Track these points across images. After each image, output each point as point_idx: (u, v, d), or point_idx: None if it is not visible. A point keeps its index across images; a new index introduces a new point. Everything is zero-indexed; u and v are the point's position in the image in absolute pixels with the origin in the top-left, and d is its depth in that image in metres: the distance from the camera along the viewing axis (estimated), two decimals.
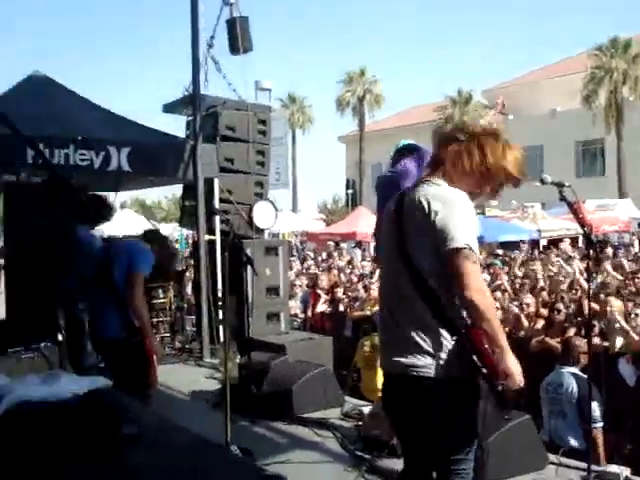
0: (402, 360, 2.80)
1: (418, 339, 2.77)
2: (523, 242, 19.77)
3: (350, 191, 46.52)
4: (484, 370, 2.71)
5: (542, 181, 4.21)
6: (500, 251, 17.06)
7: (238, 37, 8.76)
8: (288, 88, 55.81)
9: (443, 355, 2.75)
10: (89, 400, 2.05)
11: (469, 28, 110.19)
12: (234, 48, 8.85)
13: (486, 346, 2.72)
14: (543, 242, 22.13)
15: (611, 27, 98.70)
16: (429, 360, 2.75)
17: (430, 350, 2.75)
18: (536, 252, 18.61)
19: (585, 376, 5.77)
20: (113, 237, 5.60)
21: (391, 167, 5.08)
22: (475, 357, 2.71)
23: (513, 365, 2.75)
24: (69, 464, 1.79)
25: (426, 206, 2.77)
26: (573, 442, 5.73)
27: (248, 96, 9.21)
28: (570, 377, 5.91)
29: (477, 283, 2.71)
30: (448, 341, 2.75)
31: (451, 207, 2.76)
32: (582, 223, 4.08)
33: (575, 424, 5.79)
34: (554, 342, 7.24)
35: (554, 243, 20.22)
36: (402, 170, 4.64)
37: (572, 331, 7.26)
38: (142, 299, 4.76)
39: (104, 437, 1.87)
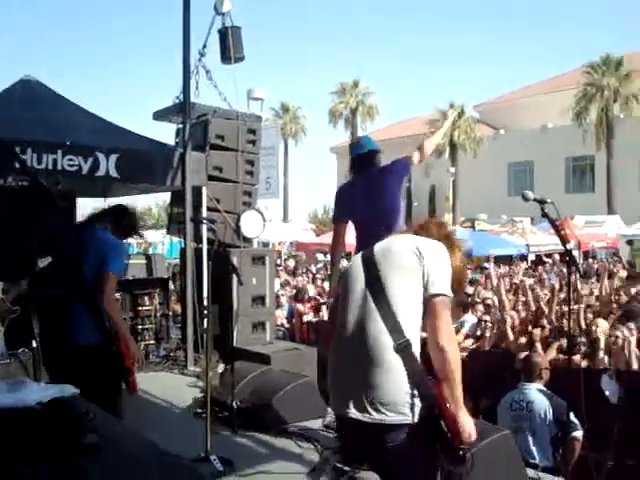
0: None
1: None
2: (512, 257, 19.86)
3: None
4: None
5: (524, 197, 4.25)
6: (486, 264, 17.10)
7: (230, 47, 8.80)
8: (281, 98, 56.02)
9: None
10: (51, 409, 2.04)
11: (464, 43, 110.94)
12: (226, 57, 8.89)
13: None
14: (531, 257, 22.24)
15: (603, 45, 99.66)
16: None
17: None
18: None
19: (547, 391, 5.85)
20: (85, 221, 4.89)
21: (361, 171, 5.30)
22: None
23: (467, 421, 2.76)
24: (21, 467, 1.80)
25: (417, 251, 2.83)
26: (541, 460, 5.66)
27: (240, 105, 9.24)
28: (538, 394, 5.88)
29: (452, 333, 2.80)
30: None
31: (440, 256, 2.86)
32: (564, 240, 4.11)
33: (544, 442, 5.74)
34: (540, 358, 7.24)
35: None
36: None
37: (555, 346, 7.29)
38: (114, 301, 4.51)
39: (63, 445, 1.87)
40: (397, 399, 2.70)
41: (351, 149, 5.53)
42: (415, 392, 2.71)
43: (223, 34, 8.90)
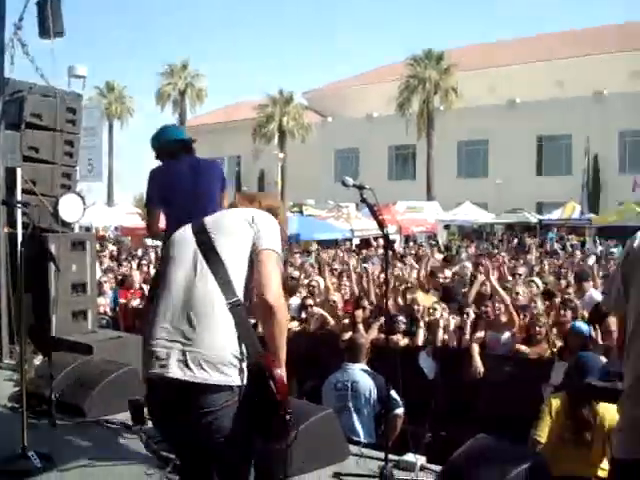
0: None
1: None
2: (337, 241, 20.39)
3: None
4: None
5: (344, 183, 4.36)
6: (314, 247, 17.48)
7: (49, 20, 8.30)
8: (107, 76, 53.88)
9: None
10: None
11: (293, 31, 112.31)
12: (44, 32, 8.37)
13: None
14: (356, 241, 22.96)
15: (426, 40, 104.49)
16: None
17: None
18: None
19: (370, 370, 6.08)
20: None
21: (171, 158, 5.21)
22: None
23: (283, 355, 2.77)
24: None
25: (249, 219, 2.88)
26: (365, 437, 5.84)
27: (61, 83, 8.75)
28: (362, 373, 6.05)
29: (280, 289, 2.77)
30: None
31: (270, 221, 2.93)
32: (381, 224, 4.27)
33: (369, 419, 5.94)
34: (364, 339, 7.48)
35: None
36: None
37: (376, 326, 7.57)
38: None
39: None
40: (223, 358, 2.63)
41: (161, 134, 5.40)
42: (243, 353, 2.65)
43: (41, 6, 8.38)
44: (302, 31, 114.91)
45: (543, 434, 4.74)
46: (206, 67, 66.95)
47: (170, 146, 5.26)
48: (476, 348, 7.06)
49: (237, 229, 2.87)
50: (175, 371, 2.64)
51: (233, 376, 2.64)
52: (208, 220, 2.99)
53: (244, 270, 2.80)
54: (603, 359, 5.27)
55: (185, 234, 2.97)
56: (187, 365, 2.63)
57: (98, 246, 15.39)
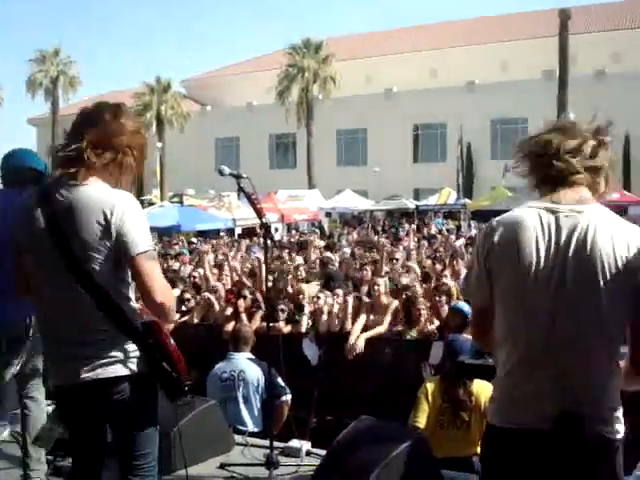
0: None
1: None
2: (219, 231, 20.19)
3: None
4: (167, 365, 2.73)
5: (220, 172, 4.29)
6: (195, 239, 17.22)
7: None
8: None
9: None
10: None
11: (171, 18, 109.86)
12: None
13: (170, 340, 2.75)
14: (238, 230, 22.82)
15: (306, 29, 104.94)
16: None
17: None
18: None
19: (255, 359, 6.07)
20: None
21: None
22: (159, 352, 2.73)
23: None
24: None
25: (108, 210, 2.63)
26: (253, 426, 5.85)
27: None
28: (248, 362, 6.02)
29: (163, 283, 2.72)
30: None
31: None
32: (259, 213, 4.22)
33: (256, 408, 5.93)
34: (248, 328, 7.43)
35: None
36: None
37: (259, 315, 7.55)
38: None
39: None
40: (109, 354, 2.68)
41: (11, 158, 4.43)
42: (128, 348, 2.70)
43: None
44: (181, 20, 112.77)
45: (421, 420, 4.84)
46: (79, 55, 64.39)
47: (15, 172, 4.32)
48: (357, 328, 7.14)
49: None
50: (79, 377, 2.70)
51: (125, 368, 2.71)
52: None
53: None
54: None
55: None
56: (84, 369, 2.70)
57: None
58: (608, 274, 2.10)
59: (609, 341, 2.16)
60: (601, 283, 2.10)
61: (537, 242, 2.16)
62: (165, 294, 2.66)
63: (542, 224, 2.18)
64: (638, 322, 2.16)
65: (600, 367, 2.17)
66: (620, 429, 2.19)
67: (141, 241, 2.63)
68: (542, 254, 2.16)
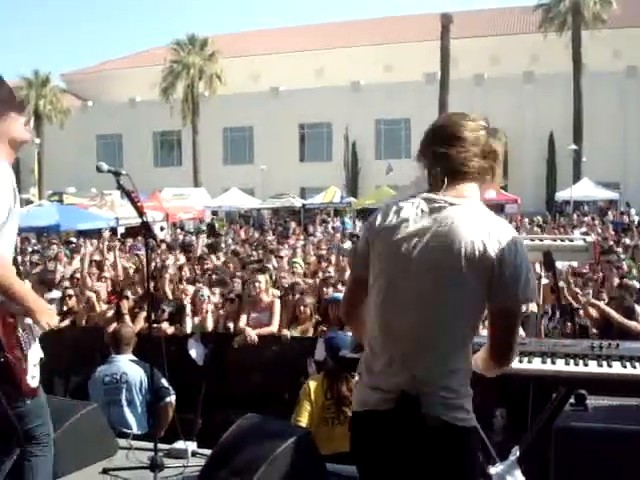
0: None
1: None
2: (102, 230, 19.61)
3: None
4: None
5: (98, 169, 4.19)
6: (74, 239, 16.69)
7: None
8: None
9: None
10: None
11: (49, 10, 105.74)
12: None
13: None
14: (121, 230, 22.26)
15: (190, 25, 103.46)
16: None
17: None
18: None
19: (137, 360, 5.98)
20: None
21: None
22: None
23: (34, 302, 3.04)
24: None
25: None
26: (138, 428, 5.75)
27: None
28: (131, 364, 5.92)
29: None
30: None
31: None
32: (140, 211, 4.16)
33: (141, 410, 5.84)
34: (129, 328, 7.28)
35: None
36: None
37: (142, 316, 7.40)
38: None
39: None
40: None
41: None
42: None
43: None
44: (62, 13, 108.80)
45: (303, 418, 4.89)
46: None
47: None
48: (242, 324, 7.15)
49: None
50: None
51: None
52: None
53: None
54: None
55: None
56: None
57: None
58: (464, 262, 2.20)
59: (454, 328, 2.27)
60: (454, 270, 2.21)
61: (408, 227, 2.28)
62: None
63: (417, 212, 2.30)
64: (493, 307, 2.28)
65: (445, 352, 2.27)
66: (465, 417, 2.28)
67: None
68: (408, 240, 2.27)
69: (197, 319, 7.53)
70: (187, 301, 7.63)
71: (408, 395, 2.23)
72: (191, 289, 7.97)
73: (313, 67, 46.39)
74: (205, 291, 7.74)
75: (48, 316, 3.10)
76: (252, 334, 6.92)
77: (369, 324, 2.38)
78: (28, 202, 28.89)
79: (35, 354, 3.17)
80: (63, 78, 50.65)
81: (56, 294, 8.70)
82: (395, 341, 2.28)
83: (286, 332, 6.99)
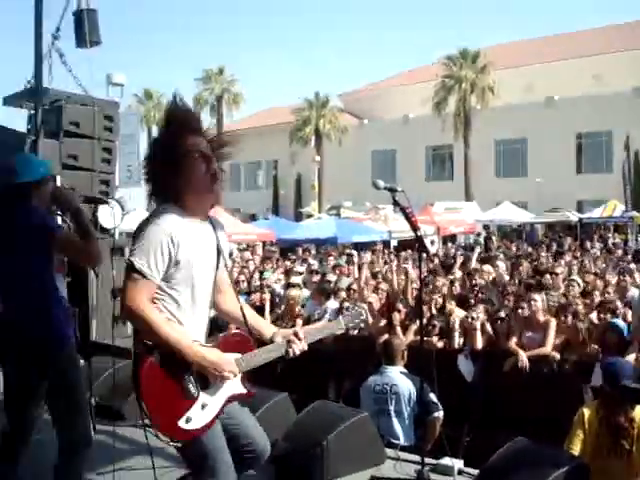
0: None
1: None
2: (375, 243, 20.27)
3: None
4: None
5: (375, 186, 4.33)
6: (349, 250, 17.39)
7: (85, 30, 8.45)
8: (145, 84, 54.67)
9: None
10: None
11: (330, 34, 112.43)
12: (81, 41, 8.53)
13: None
14: (394, 243, 22.83)
15: (460, 39, 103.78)
16: None
17: None
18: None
19: (408, 373, 6.04)
20: None
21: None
22: None
23: (216, 356, 2.96)
24: None
25: None
26: (405, 440, 5.82)
27: (100, 91, 8.89)
28: (401, 376, 6.01)
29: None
30: None
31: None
32: (414, 226, 4.23)
33: (408, 422, 5.91)
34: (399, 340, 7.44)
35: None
36: None
37: (413, 328, 7.52)
38: None
39: None
40: None
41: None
42: None
43: (78, 17, 8.54)
44: (335, 34, 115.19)
45: (576, 447, 4.61)
46: (239, 72, 67.30)
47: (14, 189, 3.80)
48: (512, 345, 6.98)
49: None
50: None
51: None
52: None
53: None
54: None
55: None
56: None
57: None
58: None
59: None
60: None
61: None
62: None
63: None
64: None
65: None
66: None
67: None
68: None
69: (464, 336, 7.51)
70: (455, 321, 7.61)
71: None
72: (457, 310, 7.96)
73: (590, 73, 43.81)
74: (473, 313, 7.65)
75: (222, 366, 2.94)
76: (524, 359, 6.74)
77: None
78: (308, 215, 30.74)
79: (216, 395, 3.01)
80: (341, 98, 53.32)
81: (333, 304, 9.14)
82: None
83: (556, 355, 6.70)
